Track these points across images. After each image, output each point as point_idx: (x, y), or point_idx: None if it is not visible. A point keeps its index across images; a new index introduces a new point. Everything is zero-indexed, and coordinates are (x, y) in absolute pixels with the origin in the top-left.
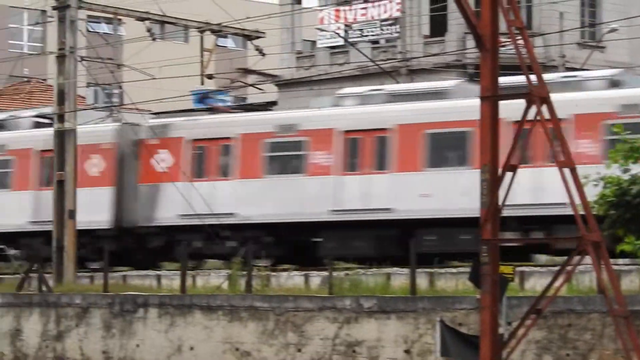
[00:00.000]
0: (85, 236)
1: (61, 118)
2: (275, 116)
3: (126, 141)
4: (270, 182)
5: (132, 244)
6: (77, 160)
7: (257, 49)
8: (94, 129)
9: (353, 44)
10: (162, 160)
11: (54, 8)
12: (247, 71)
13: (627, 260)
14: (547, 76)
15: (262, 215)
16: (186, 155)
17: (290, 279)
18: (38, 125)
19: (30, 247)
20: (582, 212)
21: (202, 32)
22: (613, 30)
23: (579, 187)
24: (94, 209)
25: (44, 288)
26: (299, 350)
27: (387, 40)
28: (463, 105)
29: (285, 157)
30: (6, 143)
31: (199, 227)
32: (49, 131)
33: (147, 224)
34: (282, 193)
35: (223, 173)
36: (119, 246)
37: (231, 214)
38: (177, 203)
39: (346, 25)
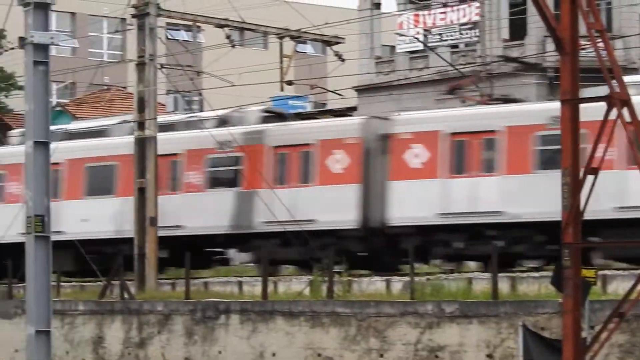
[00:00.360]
0: (329, 237)
1: (141, 126)
2: (547, 107)
3: (372, 135)
4: (541, 178)
5: (380, 245)
6: (320, 157)
7: (336, 55)
8: (336, 123)
9: (432, 49)
10: (416, 155)
11: (134, 16)
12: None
13: None
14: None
15: (535, 213)
16: (443, 150)
17: (372, 285)
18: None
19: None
20: None
21: (281, 38)
22: None
23: None
24: (338, 207)
25: (126, 295)
26: (381, 356)
27: (467, 45)
28: None
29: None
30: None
31: (458, 227)
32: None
33: (400, 224)
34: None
35: (486, 168)
36: (366, 247)
37: (498, 212)
38: (434, 201)
39: (425, 30)
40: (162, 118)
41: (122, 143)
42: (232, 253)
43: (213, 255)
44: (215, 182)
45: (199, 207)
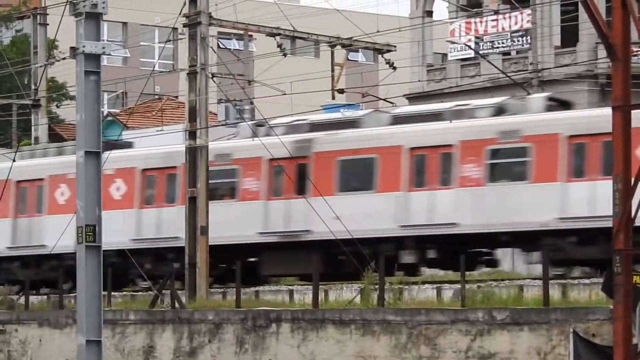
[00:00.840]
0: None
1: (193, 135)
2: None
3: None
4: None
5: None
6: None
7: (387, 63)
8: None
9: (484, 56)
10: None
11: (185, 25)
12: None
13: None
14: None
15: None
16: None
17: (422, 292)
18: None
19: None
20: None
21: (332, 46)
22: None
23: None
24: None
25: (176, 305)
26: None
27: (518, 52)
28: None
29: None
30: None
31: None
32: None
33: None
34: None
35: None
36: None
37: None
38: None
39: (477, 37)
40: (425, 107)
41: (381, 134)
42: (500, 253)
43: (480, 255)
44: (498, 175)
45: (477, 202)
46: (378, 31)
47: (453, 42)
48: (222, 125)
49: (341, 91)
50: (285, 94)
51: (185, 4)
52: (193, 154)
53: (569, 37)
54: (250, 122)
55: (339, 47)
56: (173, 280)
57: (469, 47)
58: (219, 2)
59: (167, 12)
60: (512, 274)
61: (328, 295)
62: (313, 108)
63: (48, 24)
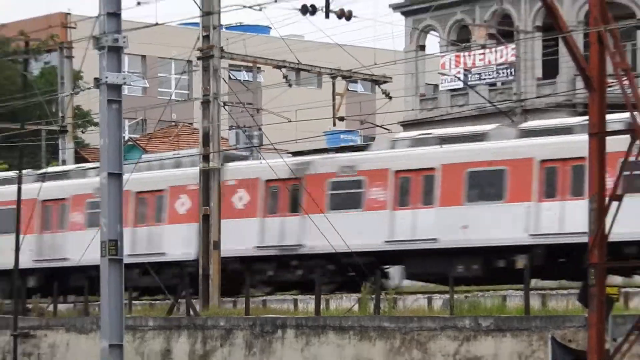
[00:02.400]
0: None
1: (206, 158)
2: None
3: None
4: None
5: None
6: None
7: (384, 93)
8: None
9: (472, 87)
10: None
11: (199, 58)
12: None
13: None
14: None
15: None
16: None
17: (415, 302)
18: None
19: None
20: None
21: (333, 78)
22: None
23: None
24: None
25: (191, 312)
26: None
27: (503, 83)
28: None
29: None
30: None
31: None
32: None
33: None
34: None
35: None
36: None
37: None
38: None
39: (465, 70)
40: (553, 121)
41: (511, 146)
42: None
43: None
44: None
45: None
46: (375, 64)
47: (444, 74)
48: (233, 149)
49: (341, 119)
50: (290, 121)
51: (199, 39)
52: (206, 176)
53: (550, 69)
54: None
55: (339, 78)
56: (188, 290)
57: (458, 78)
58: (230, 37)
59: (182, 46)
60: (496, 286)
61: (329, 304)
62: (316, 134)
63: (74, 57)
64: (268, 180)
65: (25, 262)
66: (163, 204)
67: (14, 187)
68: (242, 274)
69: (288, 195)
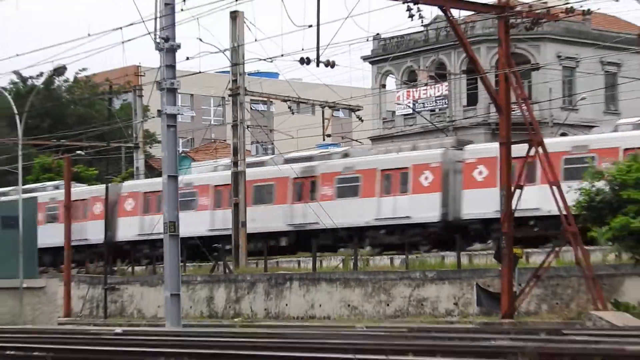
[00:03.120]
0: None
1: (235, 164)
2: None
3: None
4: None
5: None
6: None
7: (357, 117)
8: None
9: (418, 112)
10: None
11: (230, 95)
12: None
13: None
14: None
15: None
16: None
17: (382, 261)
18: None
19: None
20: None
21: (322, 107)
22: (583, 98)
23: (563, 197)
24: None
25: (227, 271)
26: (388, 305)
27: (440, 109)
28: None
29: None
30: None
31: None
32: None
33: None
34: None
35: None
36: None
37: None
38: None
39: (414, 101)
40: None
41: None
42: None
43: None
44: None
45: None
46: (351, 97)
47: (399, 104)
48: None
49: (328, 135)
50: (293, 138)
51: (229, 82)
52: (236, 176)
53: (472, 99)
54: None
55: (327, 107)
56: (225, 255)
57: (409, 106)
58: (251, 81)
59: (218, 87)
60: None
61: (322, 263)
62: (311, 146)
63: (142, 95)
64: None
65: (279, 226)
66: (407, 179)
67: (267, 168)
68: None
69: None
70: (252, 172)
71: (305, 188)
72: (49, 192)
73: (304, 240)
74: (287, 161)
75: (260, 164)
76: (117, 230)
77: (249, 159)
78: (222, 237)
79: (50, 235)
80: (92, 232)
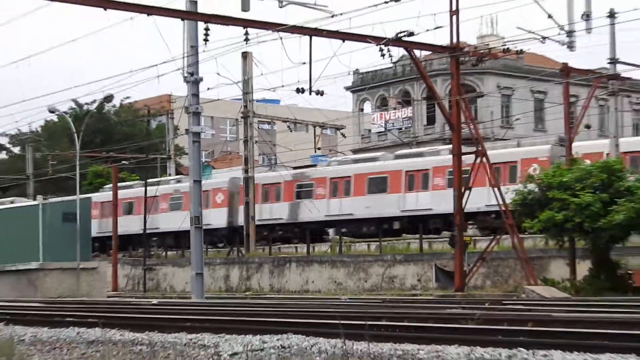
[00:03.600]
0: None
1: (246, 171)
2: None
3: None
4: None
5: None
6: None
7: (342, 134)
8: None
9: (389, 130)
10: None
11: (242, 117)
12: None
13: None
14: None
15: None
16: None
17: (361, 246)
18: None
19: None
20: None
21: (314, 127)
22: (517, 119)
23: (502, 197)
24: None
25: (240, 255)
26: (365, 281)
27: (406, 127)
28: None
29: None
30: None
31: None
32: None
33: None
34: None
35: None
36: None
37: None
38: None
39: (386, 121)
40: None
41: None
42: None
43: None
44: None
45: None
46: (337, 119)
47: (373, 124)
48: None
49: (319, 148)
50: (291, 150)
51: (241, 107)
52: (247, 180)
53: (431, 119)
54: None
55: (317, 127)
56: (238, 243)
57: (382, 126)
58: (258, 106)
59: (232, 111)
60: (407, 237)
61: (314, 248)
62: (305, 157)
63: (173, 117)
64: None
65: (393, 212)
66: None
67: (380, 162)
68: None
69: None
70: (366, 166)
71: (417, 179)
72: (172, 185)
73: (414, 224)
74: (398, 157)
75: (374, 159)
76: (237, 216)
77: (363, 155)
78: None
79: (173, 220)
80: (214, 218)
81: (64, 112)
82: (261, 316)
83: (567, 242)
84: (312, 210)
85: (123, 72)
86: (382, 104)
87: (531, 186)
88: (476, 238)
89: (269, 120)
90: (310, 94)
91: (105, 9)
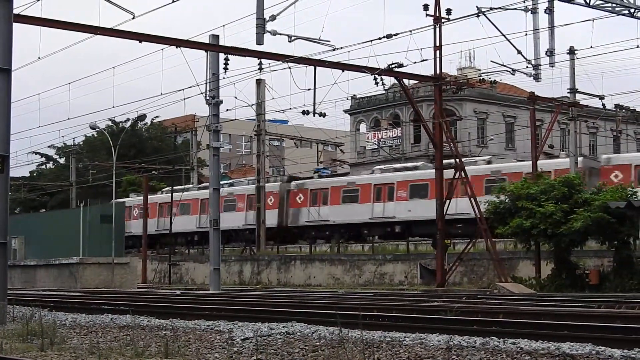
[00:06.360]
0: None
1: (258, 181)
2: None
3: None
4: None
5: None
6: None
7: (341, 150)
8: None
9: (381, 147)
10: None
11: (255, 134)
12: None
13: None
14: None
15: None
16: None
17: (357, 247)
18: None
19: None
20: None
21: (317, 144)
22: (491, 139)
23: (478, 206)
24: None
25: (252, 253)
26: (360, 277)
27: (396, 145)
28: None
29: None
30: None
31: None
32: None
33: None
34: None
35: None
36: None
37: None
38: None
39: (378, 140)
40: None
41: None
42: None
43: None
44: None
45: None
46: (336, 137)
47: (368, 142)
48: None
49: (321, 162)
50: (297, 164)
51: (255, 126)
52: (259, 189)
53: (417, 138)
54: None
55: (320, 144)
56: (250, 243)
57: (375, 143)
58: (269, 125)
59: (247, 129)
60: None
61: (316, 248)
62: (309, 169)
63: (197, 134)
64: None
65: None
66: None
67: (421, 171)
68: None
69: None
70: (407, 175)
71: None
72: (227, 189)
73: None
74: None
75: (415, 168)
76: (289, 218)
77: (403, 165)
78: (252, 230)
79: (230, 220)
80: (268, 218)
81: (103, 129)
82: (269, 306)
83: (533, 245)
84: (357, 213)
85: (154, 95)
86: (376, 125)
87: (502, 198)
88: (455, 241)
89: (279, 138)
90: (314, 115)
91: (140, 42)
